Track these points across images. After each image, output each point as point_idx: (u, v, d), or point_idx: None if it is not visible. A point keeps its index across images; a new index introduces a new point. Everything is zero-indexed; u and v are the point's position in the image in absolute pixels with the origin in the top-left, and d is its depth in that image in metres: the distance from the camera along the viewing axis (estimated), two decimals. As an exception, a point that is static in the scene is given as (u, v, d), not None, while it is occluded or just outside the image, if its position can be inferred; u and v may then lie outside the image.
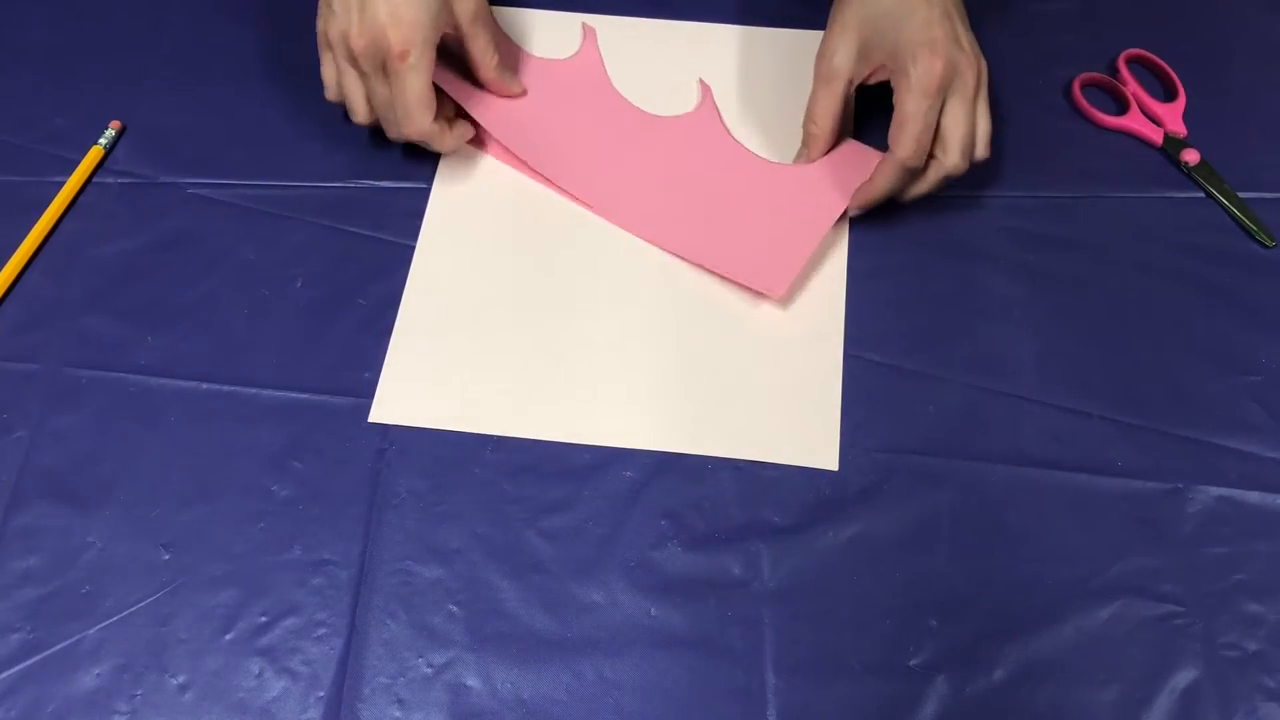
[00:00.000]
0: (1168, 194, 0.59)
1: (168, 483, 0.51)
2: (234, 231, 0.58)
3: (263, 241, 0.58)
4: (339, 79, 0.55)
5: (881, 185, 0.54)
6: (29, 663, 0.47)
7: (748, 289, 0.55)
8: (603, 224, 0.58)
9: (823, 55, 0.56)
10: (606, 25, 0.65)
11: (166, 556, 0.50)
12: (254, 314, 0.56)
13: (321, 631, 0.48)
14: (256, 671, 0.47)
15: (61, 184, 0.59)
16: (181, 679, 0.47)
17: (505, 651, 0.47)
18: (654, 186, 0.58)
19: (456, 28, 0.55)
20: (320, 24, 0.55)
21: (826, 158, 0.58)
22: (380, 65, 0.53)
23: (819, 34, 0.57)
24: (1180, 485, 0.51)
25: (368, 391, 0.53)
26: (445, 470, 0.51)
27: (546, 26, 0.65)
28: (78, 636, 0.48)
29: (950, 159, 0.53)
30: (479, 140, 0.60)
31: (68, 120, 0.62)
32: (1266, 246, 0.57)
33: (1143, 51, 0.63)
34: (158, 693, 0.47)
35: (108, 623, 0.48)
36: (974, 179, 0.56)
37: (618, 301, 0.56)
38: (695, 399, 0.53)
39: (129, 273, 0.57)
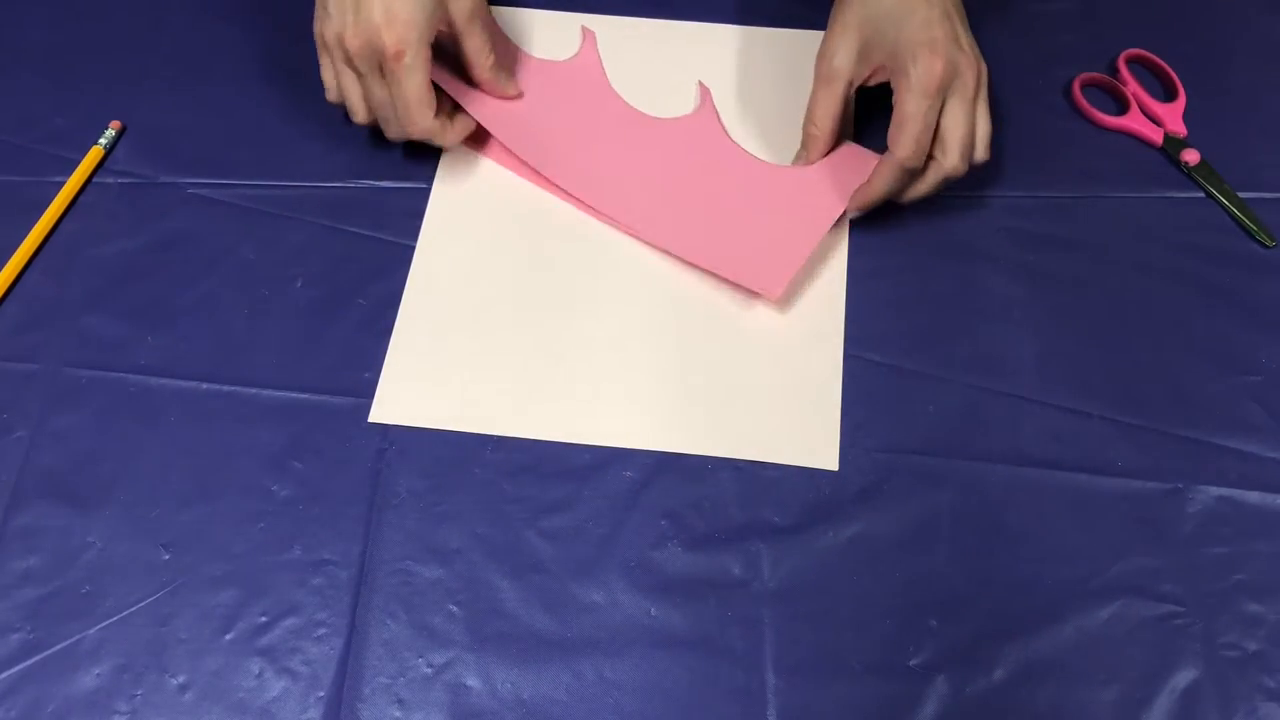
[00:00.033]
0: (1168, 194, 0.59)
1: (168, 483, 0.51)
2: (234, 231, 0.58)
3: (263, 241, 0.58)
4: (338, 80, 0.55)
5: (880, 186, 0.54)
6: (29, 663, 0.47)
7: (746, 290, 0.55)
8: (603, 224, 0.58)
9: (823, 56, 0.56)
10: (606, 25, 0.65)
11: (166, 556, 0.50)
12: (254, 314, 0.56)
13: (321, 631, 0.48)
14: (256, 671, 0.47)
15: (61, 184, 0.59)
16: (181, 679, 0.47)
17: (505, 651, 0.47)
18: (653, 188, 0.58)
19: (451, 26, 0.55)
20: (316, 26, 0.54)
21: (825, 160, 0.57)
22: (376, 66, 0.53)
23: (819, 34, 0.57)
24: (1180, 485, 0.51)
25: (368, 391, 0.53)
26: (445, 470, 0.51)
27: (546, 26, 0.65)
28: (78, 636, 0.48)
29: (949, 160, 0.53)
30: (479, 143, 0.60)
31: (68, 120, 0.62)
32: (1266, 246, 0.57)
33: (1143, 51, 0.63)
34: (158, 693, 0.47)
35: (108, 623, 0.48)
36: (974, 179, 0.56)
37: (618, 301, 0.56)
38: (695, 399, 0.53)
39: (129, 273, 0.57)
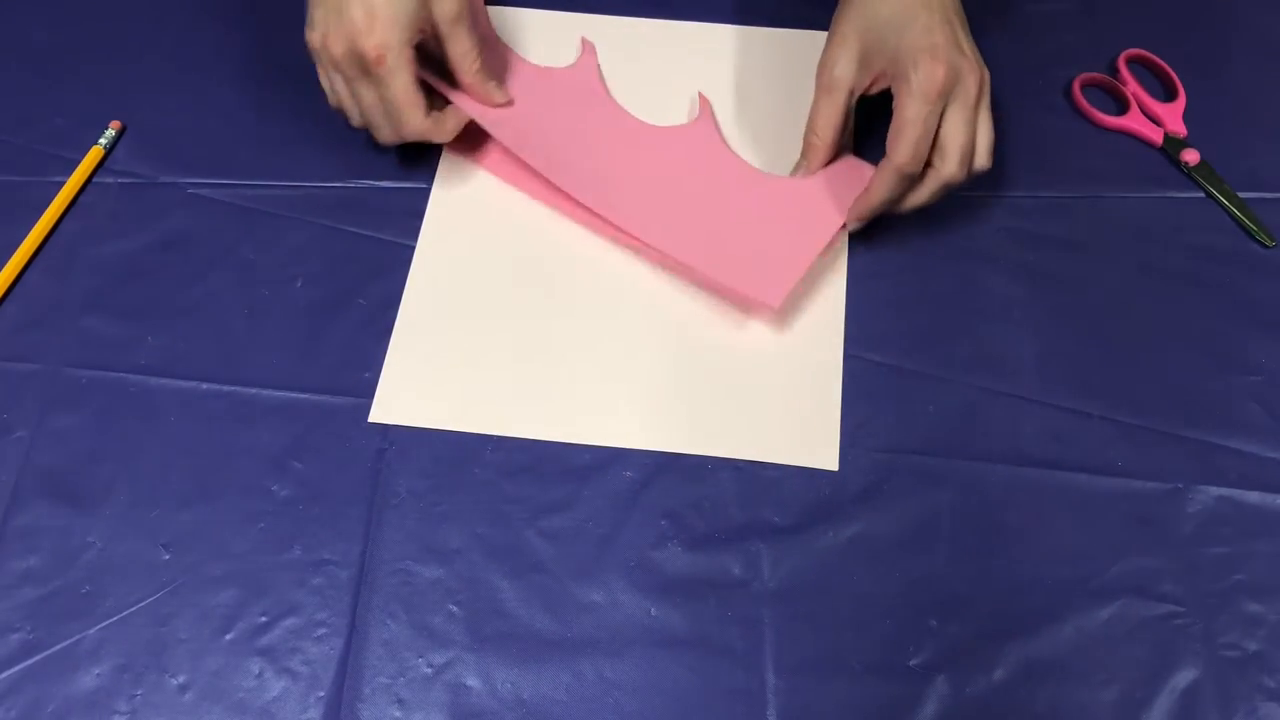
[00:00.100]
0: (1168, 194, 0.59)
1: (168, 483, 0.51)
2: (234, 231, 0.58)
3: (263, 241, 0.58)
4: (332, 86, 0.55)
5: (878, 194, 0.53)
6: (29, 663, 0.47)
7: (745, 298, 0.55)
8: (603, 232, 0.57)
9: (824, 65, 0.55)
10: (605, 25, 0.65)
11: (166, 556, 0.50)
12: (254, 314, 0.56)
13: (321, 631, 0.48)
14: (256, 671, 0.47)
15: (61, 184, 0.59)
16: (181, 679, 0.47)
17: (505, 651, 0.47)
18: (651, 196, 0.57)
19: (435, 29, 0.54)
20: (306, 33, 0.54)
21: (824, 172, 0.57)
22: (362, 70, 0.52)
23: (818, 34, 0.57)
24: (1180, 485, 0.51)
25: (368, 391, 0.53)
26: (445, 470, 0.51)
27: (546, 27, 0.65)
28: (78, 636, 0.48)
29: (948, 167, 0.52)
30: (478, 156, 0.60)
31: (68, 120, 0.62)
32: (1266, 246, 0.57)
33: (1143, 51, 0.63)
34: (158, 693, 0.47)
35: (108, 623, 0.48)
36: (974, 179, 0.55)
37: (618, 301, 0.56)
38: (695, 399, 0.53)
39: (129, 273, 0.57)
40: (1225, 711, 0.46)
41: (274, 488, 0.51)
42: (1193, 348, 0.54)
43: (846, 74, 0.54)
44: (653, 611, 0.48)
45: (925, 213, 0.56)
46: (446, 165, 0.60)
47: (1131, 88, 0.62)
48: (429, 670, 0.47)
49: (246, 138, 0.61)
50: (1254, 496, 0.50)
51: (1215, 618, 0.48)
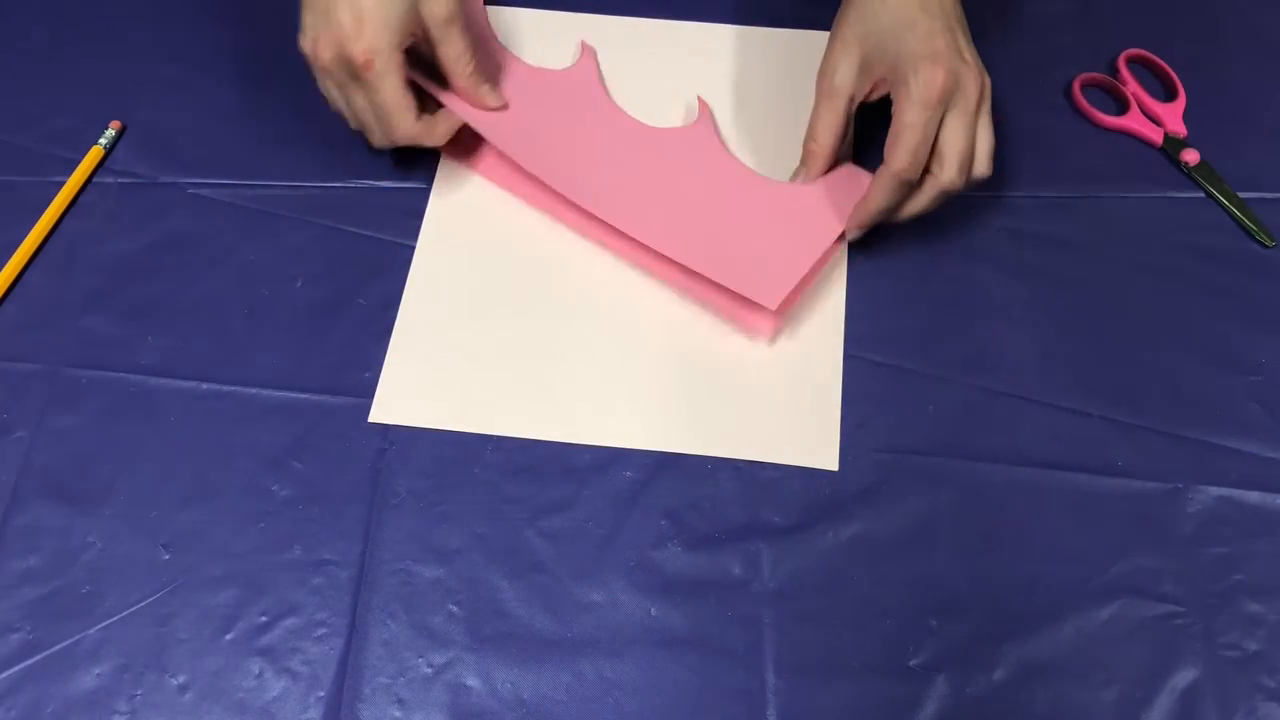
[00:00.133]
0: (1168, 194, 0.59)
1: (168, 483, 0.51)
2: (234, 231, 0.58)
3: (263, 241, 0.58)
4: (327, 90, 0.55)
5: (877, 201, 0.52)
6: (29, 663, 0.47)
7: (741, 318, 0.54)
8: (601, 235, 0.57)
9: (824, 72, 0.55)
10: (605, 25, 0.65)
11: (166, 556, 0.50)
12: (254, 314, 0.56)
13: (321, 631, 0.48)
14: (256, 671, 0.47)
15: (61, 184, 0.59)
16: (181, 679, 0.47)
17: (505, 651, 0.47)
18: (649, 197, 0.56)
19: (426, 32, 0.53)
20: (298, 39, 0.54)
21: (824, 180, 0.56)
22: (352, 75, 0.52)
23: (818, 34, 0.57)
24: (1180, 485, 0.51)
25: (368, 391, 0.53)
26: (445, 470, 0.51)
27: (545, 27, 0.64)
28: (78, 636, 0.48)
29: (946, 174, 0.51)
30: (473, 160, 0.59)
31: (68, 120, 0.62)
32: (1266, 246, 0.57)
33: (1143, 51, 0.63)
34: (158, 693, 0.47)
35: (108, 623, 0.48)
36: (974, 186, 0.54)
37: (618, 301, 0.56)
38: (695, 399, 0.53)
39: (129, 273, 0.57)
40: (1225, 711, 0.46)
41: (274, 488, 0.51)
42: (1193, 348, 0.54)
43: (847, 81, 0.54)
44: (653, 611, 0.48)
45: (925, 214, 0.56)
46: (446, 165, 0.60)
47: (1131, 88, 0.62)
48: (429, 670, 0.47)
49: (246, 138, 0.61)
50: (1254, 496, 0.50)
51: (1215, 618, 0.48)
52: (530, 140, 0.57)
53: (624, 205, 0.55)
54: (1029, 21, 0.65)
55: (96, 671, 0.47)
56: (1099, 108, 0.61)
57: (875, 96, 0.54)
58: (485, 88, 0.57)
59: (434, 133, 0.56)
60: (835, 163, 0.56)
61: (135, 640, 0.48)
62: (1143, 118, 0.61)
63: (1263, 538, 0.49)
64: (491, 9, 0.65)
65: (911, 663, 0.47)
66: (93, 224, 0.58)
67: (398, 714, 0.46)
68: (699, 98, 0.61)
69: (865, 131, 0.58)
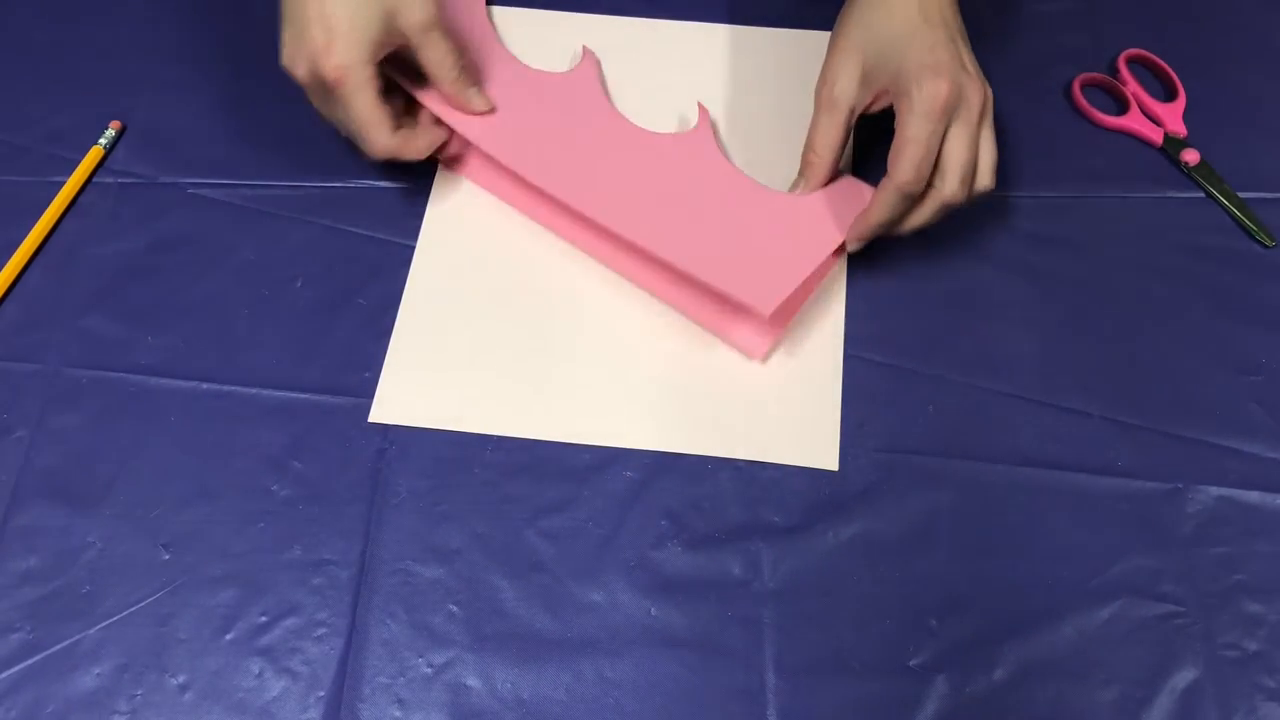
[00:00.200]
0: (1168, 194, 0.59)
1: (168, 483, 0.51)
2: (234, 231, 0.58)
3: (263, 241, 0.58)
4: (314, 105, 0.55)
5: (879, 214, 0.52)
6: (29, 663, 0.47)
7: (735, 334, 0.54)
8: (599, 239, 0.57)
9: (824, 82, 0.54)
10: (604, 25, 0.64)
11: (166, 556, 0.50)
12: (254, 314, 0.56)
13: (321, 631, 0.48)
14: (256, 671, 0.47)
15: (61, 184, 0.59)
16: (181, 679, 0.47)
17: (505, 651, 0.47)
18: (645, 201, 0.55)
19: (407, 39, 0.53)
20: (280, 57, 0.53)
21: (824, 191, 0.55)
22: (327, 91, 0.52)
23: (817, 34, 0.57)
24: (1180, 485, 0.51)
25: (368, 391, 0.53)
26: (445, 470, 0.51)
27: (545, 27, 0.64)
28: (78, 636, 0.48)
29: (948, 187, 0.50)
30: (470, 171, 0.59)
31: (68, 120, 0.61)
32: (1266, 246, 0.57)
33: (1143, 51, 0.63)
34: (158, 693, 0.47)
35: (108, 623, 0.48)
36: (978, 199, 0.54)
37: (618, 301, 0.56)
38: (695, 399, 0.53)
39: (129, 273, 0.57)
40: (1225, 711, 0.46)
41: (274, 488, 0.51)
42: (1193, 348, 0.54)
43: (848, 92, 0.53)
44: (653, 611, 0.48)
45: (925, 228, 0.55)
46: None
47: (1131, 88, 0.62)
48: (429, 670, 0.47)
49: (247, 138, 0.61)
50: (1254, 496, 0.50)
51: (1215, 618, 0.48)
52: (525, 144, 0.56)
53: (620, 210, 0.55)
54: (1029, 21, 0.65)
55: (96, 671, 0.47)
56: (1099, 108, 0.61)
57: (877, 108, 0.54)
58: (472, 91, 0.56)
59: (412, 146, 0.55)
60: (835, 173, 0.55)
61: (135, 640, 0.48)
62: (1143, 118, 0.61)
63: (1263, 538, 0.49)
64: (493, 9, 0.65)
65: (911, 663, 0.47)
66: (93, 224, 0.58)
67: (398, 714, 0.46)
68: (699, 103, 0.60)
69: (865, 143, 0.58)
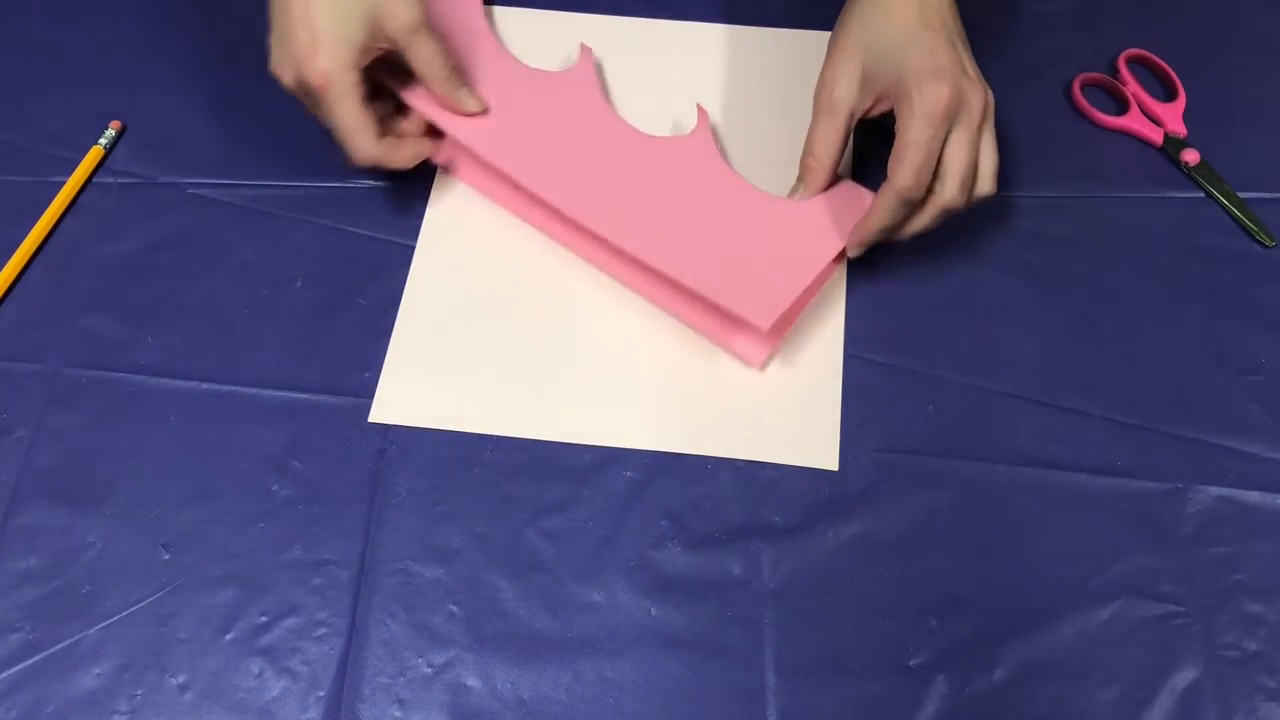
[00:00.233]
0: (1168, 194, 0.59)
1: (168, 483, 0.51)
2: (234, 231, 0.58)
3: (263, 241, 0.58)
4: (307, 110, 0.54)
5: (879, 219, 0.51)
6: (29, 663, 0.47)
7: (732, 343, 0.53)
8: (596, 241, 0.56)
9: (824, 85, 0.53)
10: (603, 25, 0.64)
11: (166, 556, 0.50)
12: (254, 314, 0.56)
13: (321, 631, 0.48)
14: (256, 671, 0.47)
15: (61, 184, 0.59)
16: (181, 679, 0.47)
17: (505, 651, 0.48)
18: (642, 206, 0.55)
19: (394, 43, 0.52)
20: (269, 64, 0.53)
21: (823, 196, 0.55)
22: (312, 98, 0.52)
23: (817, 34, 0.57)
24: (1180, 485, 0.51)
25: (368, 391, 0.53)
26: (445, 470, 0.51)
27: (544, 27, 0.64)
28: (78, 636, 0.48)
29: (948, 192, 0.50)
30: (455, 169, 0.59)
31: (68, 120, 0.62)
32: (1266, 246, 0.57)
33: (1143, 51, 0.63)
34: (158, 693, 0.47)
35: (108, 623, 0.48)
36: (979, 204, 0.53)
37: (618, 301, 0.56)
38: (695, 399, 0.53)
39: (129, 273, 0.57)
40: (1225, 711, 0.46)
41: (274, 488, 0.51)
42: (1193, 348, 0.54)
43: (847, 96, 0.53)
44: (653, 611, 0.48)
45: (926, 233, 0.54)
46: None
47: (1131, 88, 0.62)
48: (429, 670, 0.47)
49: (246, 138, 0.61)
50: (1254, 496, 0.50)
51: (1215, 618, 0.48)
52: (518, 146, 0.56)
53: (616, 218, 0.54)
54: (1029, 21, 0.65)
55: (96, 671, 0.47)
56: (1099, 108, 0.61)
57: (877, 112, 0.54)
58: (463, 92, 0.55)
59: (397, 155, 0.54)
60: (834, 178, 0.55)
61: (135, 640, 0.48)
62: (1143, 118, 0.61)
63: (1263, 538, 0.49)
64: (492, 9, 0.65)
65: (911, 663, 0.47)
66: (93, 224, 0.58)
67: (398, 714, 0.46)
68: (698, 105, 0.59)
69: (864, 147, 0.58)
